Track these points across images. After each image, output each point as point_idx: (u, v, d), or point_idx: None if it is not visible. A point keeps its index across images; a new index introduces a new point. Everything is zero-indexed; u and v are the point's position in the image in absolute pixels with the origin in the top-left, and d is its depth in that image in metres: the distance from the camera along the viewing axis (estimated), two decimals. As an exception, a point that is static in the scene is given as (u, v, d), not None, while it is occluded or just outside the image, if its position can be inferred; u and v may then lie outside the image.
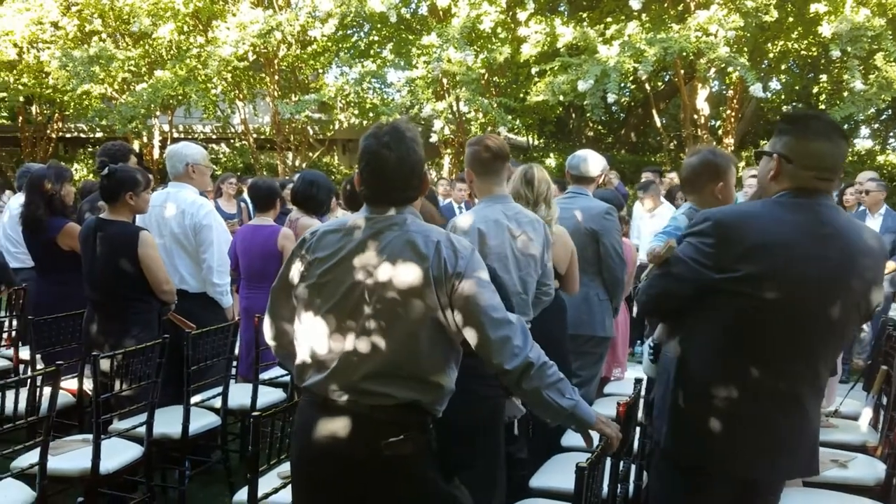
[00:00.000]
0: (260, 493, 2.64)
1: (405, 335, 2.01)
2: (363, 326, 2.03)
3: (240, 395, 4.15)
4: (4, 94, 13.16)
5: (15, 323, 4.95)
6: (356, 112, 13.50)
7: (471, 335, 2.03)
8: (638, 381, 2.95)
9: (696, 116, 13.56)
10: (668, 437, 2.25)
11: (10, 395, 3.06)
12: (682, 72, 12.90)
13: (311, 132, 16.02)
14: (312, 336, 2.10)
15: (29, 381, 2.97)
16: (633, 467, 2.99)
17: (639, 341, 7.33)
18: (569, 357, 3.78)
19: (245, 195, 9.34)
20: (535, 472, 3.13)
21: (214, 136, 18.15)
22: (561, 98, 10.75)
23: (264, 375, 4.39)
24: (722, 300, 2.12)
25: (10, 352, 4.73)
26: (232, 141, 18.16)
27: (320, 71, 15.85)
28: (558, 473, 3.07)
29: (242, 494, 2.81)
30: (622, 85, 10.79)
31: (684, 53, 10.42)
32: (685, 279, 2.18)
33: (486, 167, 3.19)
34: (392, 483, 2.04)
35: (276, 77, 13.95)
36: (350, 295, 2.04)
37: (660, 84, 16.31)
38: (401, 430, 2.01)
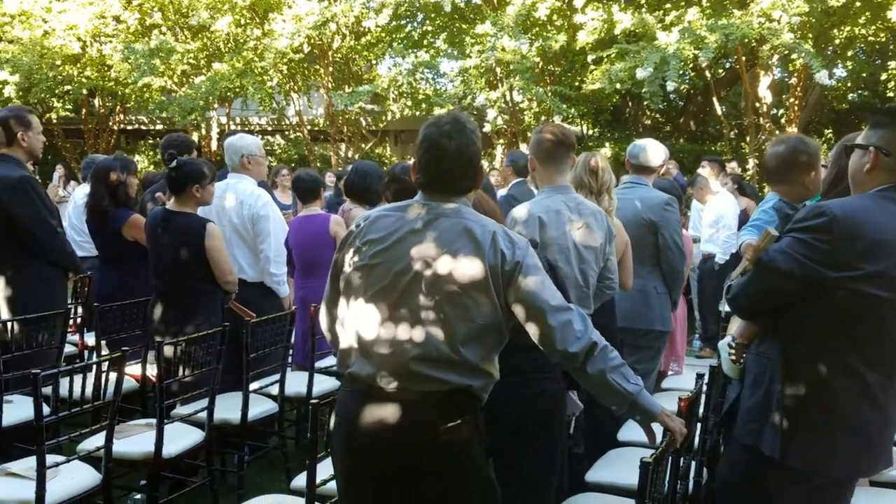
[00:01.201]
0: (318, 480, 2.66)
1: (459, 322, 2.01)
2: (415, 312, 2.02)
3: (296, 382, 4.20)
4: (69, 87, 13.56)
5: (80, 310, 5.10)
6: (409, 103, 13.53)
7: (532, 326, 2.02)
8: (700, 376, 2.87)
9: (757, 105, 13.19)
10: (770, 440, 2.19)
11: (76, 379, 3.14)
12: (744, 59, 12.55)
13: (363, 123, 16.13)
14: (358, 321, 2.09)
15: (95, 366, 3.04)
16: (694, 464, 2.93)
17: (695, 335, 7.19)
18: (620, 350, 3.72)
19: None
20: (590, 467, 3.09)
21: (270, 128, 18.43)
22: (618, 86, 10.55)
23: (319, 364, 4.43)
24: (836, 299, 2.06)
25: (76, 338, 4.88)
26: (286, 133, 18.42)
27: (374, 62, 15.93)
28: (615, 468, 3.04)
29: (300, 480, 2.84)
30: (682, 72, 10.53)
31: (746, 40, 10.12)
32: (794, 277, 2.11)
33: (550, 155, 3.12)
34: (446, 468, 2.04)
35: (330, 69, 14.07)
36: (400, 279, 2.04)
37: (720, 71, 15.87)
38: (457, 415, 2.01)
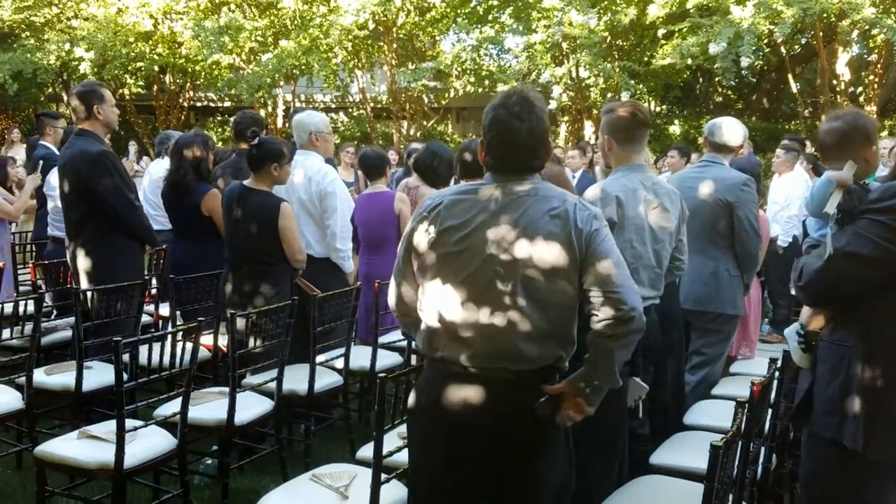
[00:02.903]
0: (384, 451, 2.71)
1: (551, 295, 2.03)
2: (506, 294, 2.03)
3: (359, 356, 4.27)
4: (141, 64, 13.95)
5: (155, 282, 5.28)
6: (472, 79, 13.46)
7: (594, 294, 2.01)
8: (773, 361, 2.80)
9: (834, 82, 12.69)
10: (852, 432, 2.12)
11: (154, 348, 3.25)
12: (822, 34, 12.05)
13: (426, 100, 16.13)
14: (445, 305, 2.10)
15: (171, 335, 3.15)
16: (763, 449, 2.87)
17: (765, 319, 7.01)
18: (681, 329, 3.70)
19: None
20: (655, 449, 3.05)
21: (334, 106, 18.61)
22: (689, 61, 10.29)
23: (382, 339, 4.49)
24: None
25: (151, 308, 5.05)
26: (350, 110, 18.56)
27: (437, 38, 15.88)
28: (680, 451, 2.99)
29: (366, 451, 2.89)
30: (756, 48, 10.17)
31: (825, 15, 9.71)
32: (876, 261, 2.03)
33: (628, 134, 3.04)
34: (538, 444, 2.09)
35: (394, 45, 14.09)
36: (488, 264, 2.04)
37: (796, 47, 15.29)
38: (543, 392, 2.06)
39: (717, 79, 12.64)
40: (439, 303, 2.11)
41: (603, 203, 2.86)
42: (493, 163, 2.13)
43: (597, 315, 2.00)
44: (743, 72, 13.99)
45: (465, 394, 2.08)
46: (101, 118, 4.16)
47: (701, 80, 16.47)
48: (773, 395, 2.83)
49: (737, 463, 2.36)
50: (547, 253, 2.02)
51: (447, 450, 2.14)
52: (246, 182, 4.08)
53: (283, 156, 4.02)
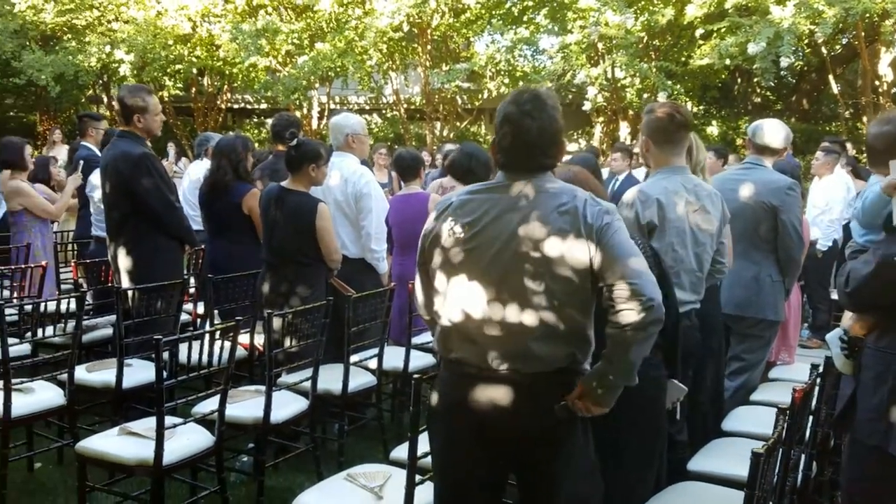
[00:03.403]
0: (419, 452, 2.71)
1: (562, 294, 2.01)
2: (519, 291, 2.02)
3: (392, 357, 4.28)
4: (180, 66, 14.14)
5: (193, 281, 5.35)
6: (506, 80, 13.40)
7: (607, 285, 1.98)
8: (814, 367, 2.75)
9: (877, 83, 12.41)
10: None
11: (192, 346, 3.30)
12: (864, 34, 11.78)
13: (459, 102, 16.12)
14: (456, 305, 2.10)
15: (208, 335, 3.19)
16: (804, 457, 2.82)
17: (804, 324, 6.87)
18: (722, 334, 3.62)
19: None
20: (693, 455, 3.01)
21: (367, 107, 18.68)
22: (728, 62, 10.13)
23: (415, 340, 4.50)
24: None
25: (189, 306, 5.13)
26: (383, 111, 18.63)
27: (472, 39, 15.86)
28: (719, 458, 2.95)
29: (399, 452, 2.90)
30: (796, 48, 9.98)
31: (868, 15, 9.50)
32: None
33: (668, 136, 3.00)
34: (561, 445, 2.07)
35: (428, 47, 14.10)
36: (498, 262, 2.04)
37: (837, 47, 14.97)
38: (566, 392, 2.04)
39: (755, 79, 12.42)
40: (451, 303, 2.11)
41: (643, 206, 2.82)
42: (504, 161, 2.12)
43: (613, 307, 1.96)
44: (782, 72, 13.75)
45: (480, 395, 2.07)
46: (140, 126, 4.23)
47: (739, 80, 16.21)
48: (814, 402, 2.78)
49: (777, 470, 2.32)
50: (557, 250, 2.00)
51: (466, 450, 2.14)
52: (283, 183, 4.12)
53: (320, 157, 4.06)
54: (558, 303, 2.01)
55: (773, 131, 3.93)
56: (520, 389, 2.04)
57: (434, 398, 2.24)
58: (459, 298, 2.09)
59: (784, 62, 9.52)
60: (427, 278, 2.21)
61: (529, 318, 2.02)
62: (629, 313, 1.94)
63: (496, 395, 2.05)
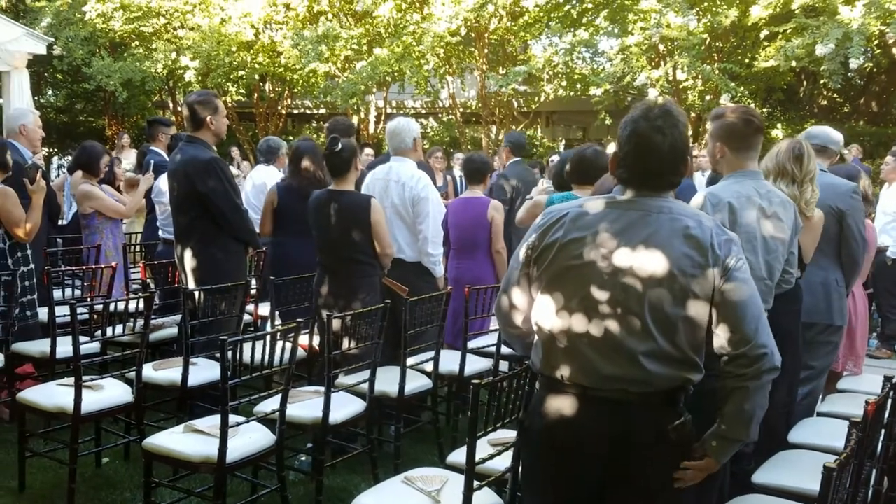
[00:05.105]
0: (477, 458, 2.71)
1: (676, 323, 1.94)
2: (629, 314, 1.95)
3: (448, 360, 4.28)
4: (243, 73, 14.48)
5: (254, 282, 5.46)
6: (563, 83, 13.31)
7: (725, 327, 1.95)
8: (888, 379, 2.64)
9: (952, 83, 11.86)
10: None
11: (255, 346, 3.36)
12: (939, 32, 11.29)
13: (515, 105, 16.07)
14: (563, 321, 2.02)
15: (269, 335, 3.25)
16: (875, 472, 2.71)
17: (873, 333, 6.64)
18: (800, 351, 3.48)
19: (454, 169, 9.64)
20: (758, 468, 2.93)
21: (423, 111, 18.80)
22: (794, 63, 9.85)
23: (470, 344, 4.49)
24: None
25: (251, 307, 5.23)
26: (439, 115, 18.70)
27: (529, 42, 15.80)
28: (785, 471, 2.86)
29: (456, 456, 2.91)
30: (865, 49, 9.63)
31: (943, 12, 9.12)
32: None
33: (745, 141, 2.92)
34: (668, 465, 2.02)
35: (486, 50, 14.10)
36: (612, 281, 1.96)
37: (909, 47, 14.40)
38: (678, 413, 2.00)
39: (822, 81, 12.01)
40: (557, 318, 2.03)
41: (714, 209, 2.75)
42: (627, 176, 2.04)
43: (726, 352, 1.94)
44: (850, 74, 13.31)
45: (582, 415, 2.00)
46: (213, 128, 4.35)
47: (805, 82, 15.74)
48: (886, 415, 2.68)
49: (848, 486, 2.24)
50: (680, 275, 1.92)
51: (559, 470, 2.08)
52: (331, 187, 4.19)
53: (357, 152, 4.21)
54: (673, 328, 1.94)
55: (829, 136, 3.98)
56: (629, 409, 1.97)
57: (527, 416, 2.19)
58: (567, 314, 2.01)
59: (853, 64, 9.20)
60: (525, 287, 2.13)
61: (642, 340, 1.95)
62: (740, 360, 1.92)
63: (599, 415, 1.99)
